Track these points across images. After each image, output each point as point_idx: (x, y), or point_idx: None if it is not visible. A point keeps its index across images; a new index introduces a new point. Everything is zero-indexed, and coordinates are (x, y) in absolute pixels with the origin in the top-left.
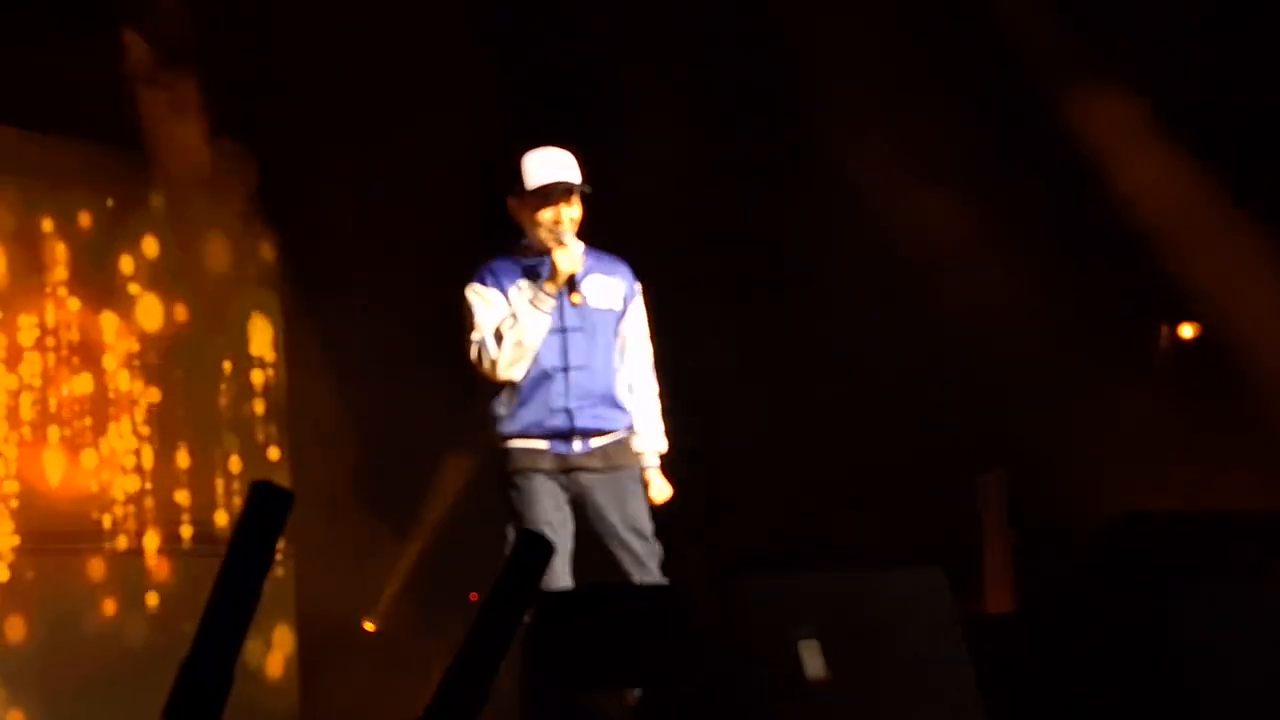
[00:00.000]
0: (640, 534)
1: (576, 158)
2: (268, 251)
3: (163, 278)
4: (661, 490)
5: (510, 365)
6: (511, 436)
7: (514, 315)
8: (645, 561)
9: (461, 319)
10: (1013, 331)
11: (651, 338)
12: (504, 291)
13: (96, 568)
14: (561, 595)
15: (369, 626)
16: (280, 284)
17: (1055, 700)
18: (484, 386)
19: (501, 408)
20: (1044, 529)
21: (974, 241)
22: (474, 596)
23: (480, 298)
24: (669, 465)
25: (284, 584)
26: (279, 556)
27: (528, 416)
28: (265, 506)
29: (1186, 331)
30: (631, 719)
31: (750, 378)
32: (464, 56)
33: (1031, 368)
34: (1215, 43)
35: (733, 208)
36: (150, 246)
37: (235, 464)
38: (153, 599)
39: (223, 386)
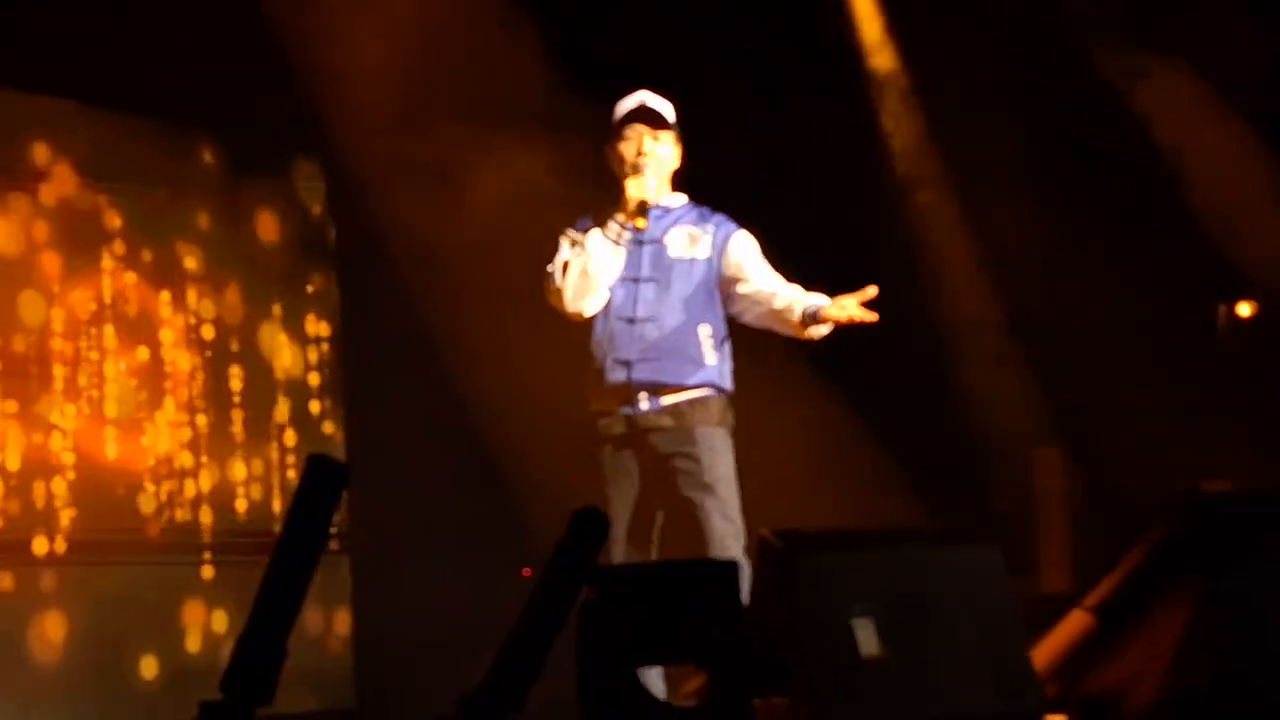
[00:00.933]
0: (716, 494)
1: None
2: (327, 226)
3: (220, 253)
4: (841, 305)
5: (576, 296)
6: (591, 396)
7: (582, 245)
8: (721, 525)
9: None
10: (1071, 309)
11: None
12: (586, 232)
13: (151, 540)
14: (617, 571)
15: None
16: (339, 257)
17: (1110, 679)
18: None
19: (587, 373)
20: (1102, 508)
21: (1033, 219)
22: (527, 572)
23: (566, 238)
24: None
25: (339, 557)
26: (334, 530)
27: (598, 371)
28: (321, 480)
29: (1244, 310)
30: (686, 696)
31: (805, 354)
32: (524, 33)
33: (1090, 346)
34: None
35: (789, 184)
36: (207, 221)
37: (290, 438)
38: (208, 571)
39: (279, 361)
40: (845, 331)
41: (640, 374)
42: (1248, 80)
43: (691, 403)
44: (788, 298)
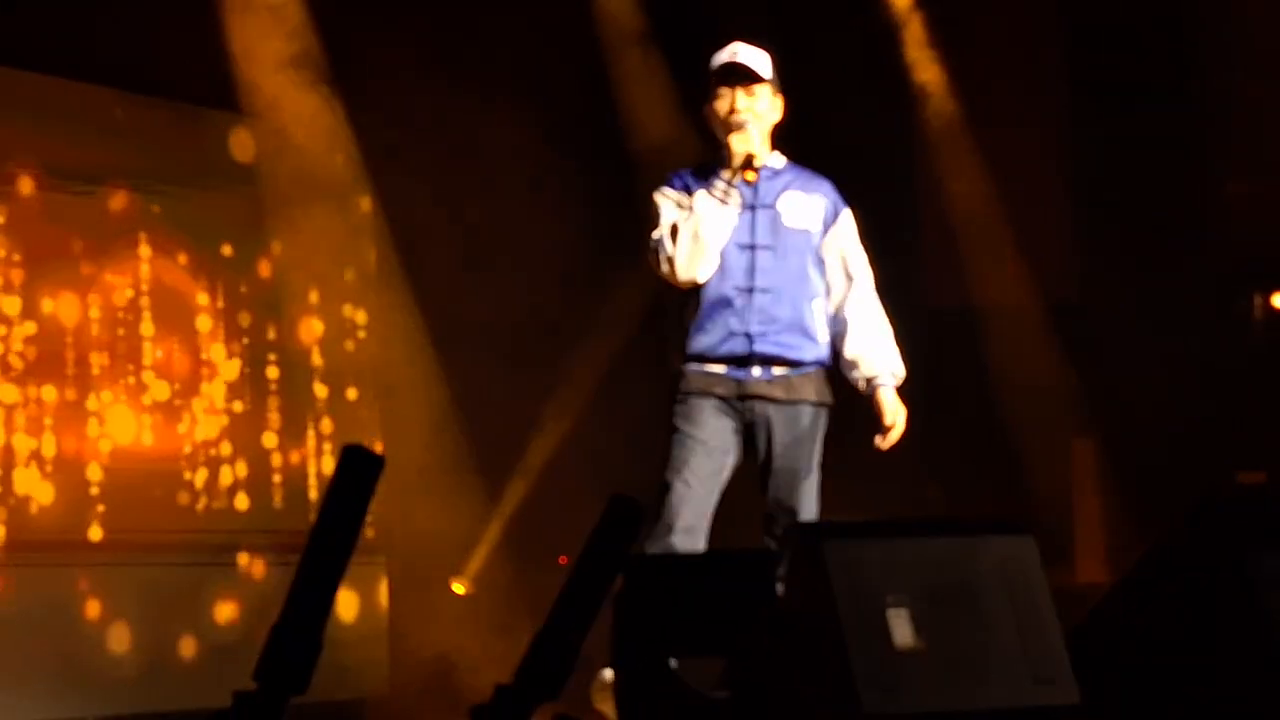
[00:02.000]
0: (799, 482)
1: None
2: (363, 210)
3: (256, 236)
4: (899, 412)
5: (690, 263)
6: (689, 359)
7: (690, 208)
8: (802, 506)
9: (645, 227)
10: (1107, 298)
11: None
12: (691, 195)
13: (186, 525)
14: (652, 561)
15: (459, 589)
16: (375, 242)
17: (1146, 669)
18: (670, 309)
19: (680, 330)
20: (1137, 497)
21: (1067, 209)
22: (563, 560)
23: (665, 198)
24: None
25: (374, 545)
26: (370, 518)
27: (705, 340)
28: (356, 470)
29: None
30: (721, 685)
31: None
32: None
33: (1126, 335)
34: None
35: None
36: (243, 206)
37: (327, 425)
38: (243, 559)
39: (315, 346)
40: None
41: (761, 347)
42: None
43: (804, 378)
44: (857, 348)
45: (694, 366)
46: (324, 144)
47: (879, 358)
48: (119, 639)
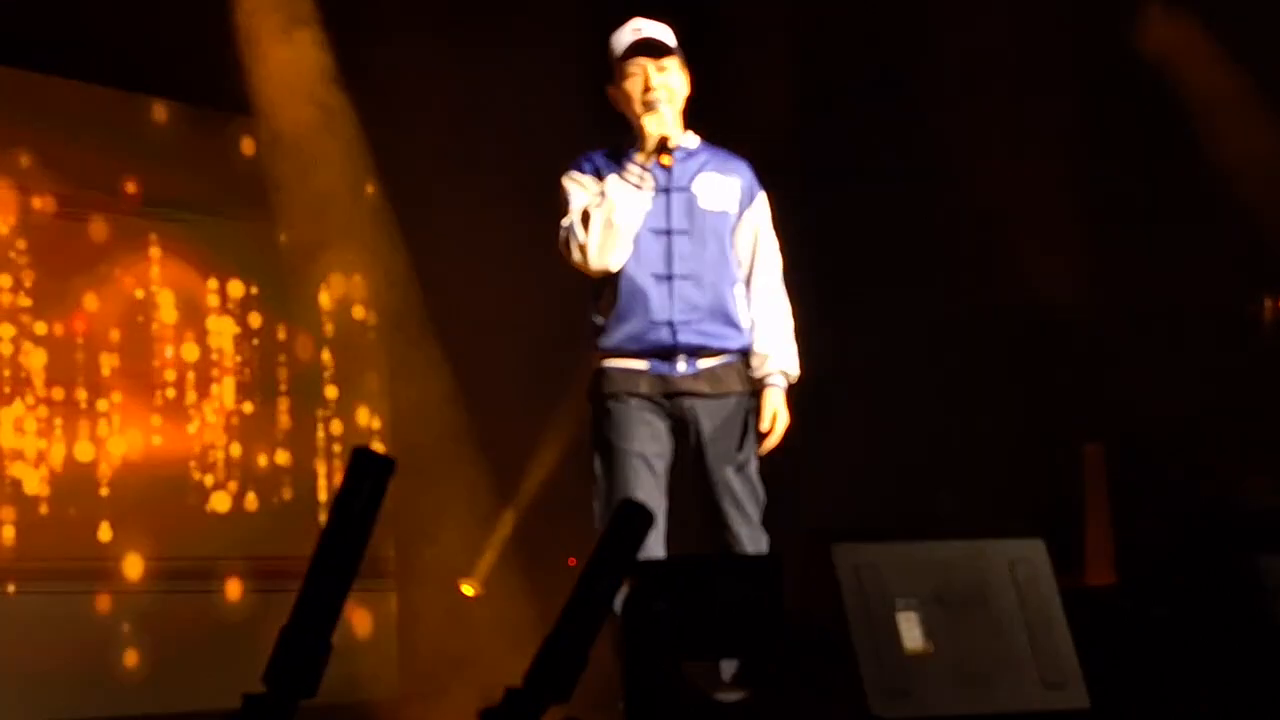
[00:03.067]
0: (743, 472)
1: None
2: (370, 208)
3: (263, 240)
4: (779, 417)
5: (602, 250)
6: (607, 354)
7: (602, 193)
8: (743, 504)
9: (556, 213)
10: (1115, 303)
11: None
12: (602, 179)
13: (198, 527)
14: (660, 565)
15: (468, 590)
16: (382, 244)
17: (1155, 671)
18: (590, 293)
19: (598, 318)
20: (1147, 502)
21: (1078, 213)
22: (572, 561)
23: (575, 183)
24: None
25: (383, 547)
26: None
27: (625, 330)
28: (366, 473)
29: None
30: (729, 689)
31: (852, 349)
32: None
33: (1134, 340)
34: None
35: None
36: (251, 209)
37: (337, 426)
38: (252, 561)
39: (324, 349)
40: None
41: (685, 337)
42: None
43: (727, 367)
44: (757, 346)
45: (614, 364)
46: (333, 144)
47: (775, 356)
48: (126, 633)
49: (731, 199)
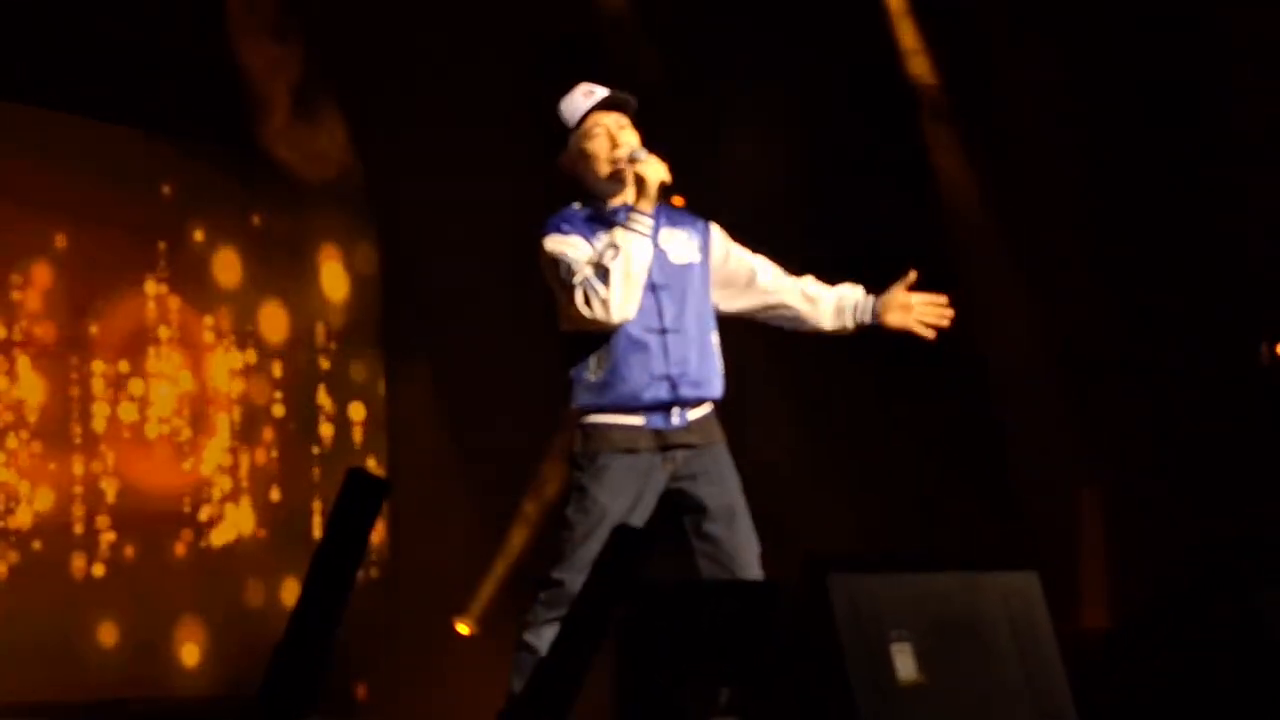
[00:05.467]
0: (741, 518)
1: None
2: (366, 243)
3: (260, 273)
4: (904, 289)
5: (624, 302)
6: (601, 410)
7: (613, 245)
8: (743, 553)
9: (548, 278)
10: (1111, 345)
11: None
12: (585, 239)
13: (189, 559)
14: (656, 590)
15: (463, 629)
16: (378, 274)
17: (1156, 708)
18: (571, 350)
19: (588, 374)
20: (1143, 548)
21: (1077, 252)
22: None
23: (565, 244)
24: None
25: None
26: (374, 558)
27: (625, 387)
28: (360, 494)
29: None
30: (722, 716)
31: (850, 382)
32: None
33: (1132, 382)
34: None
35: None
36: (248, 243)
37: (334, 465)
38: (246, 586)
39: (320, 382)
40: (886, 357)
41: (683, 390)
42: None
43: (710, 419)
44: (818, 293)
45: (607, 419)
46: (331, 174)
47: (838, 293)
48: (121, 663)
49: (692, 249)
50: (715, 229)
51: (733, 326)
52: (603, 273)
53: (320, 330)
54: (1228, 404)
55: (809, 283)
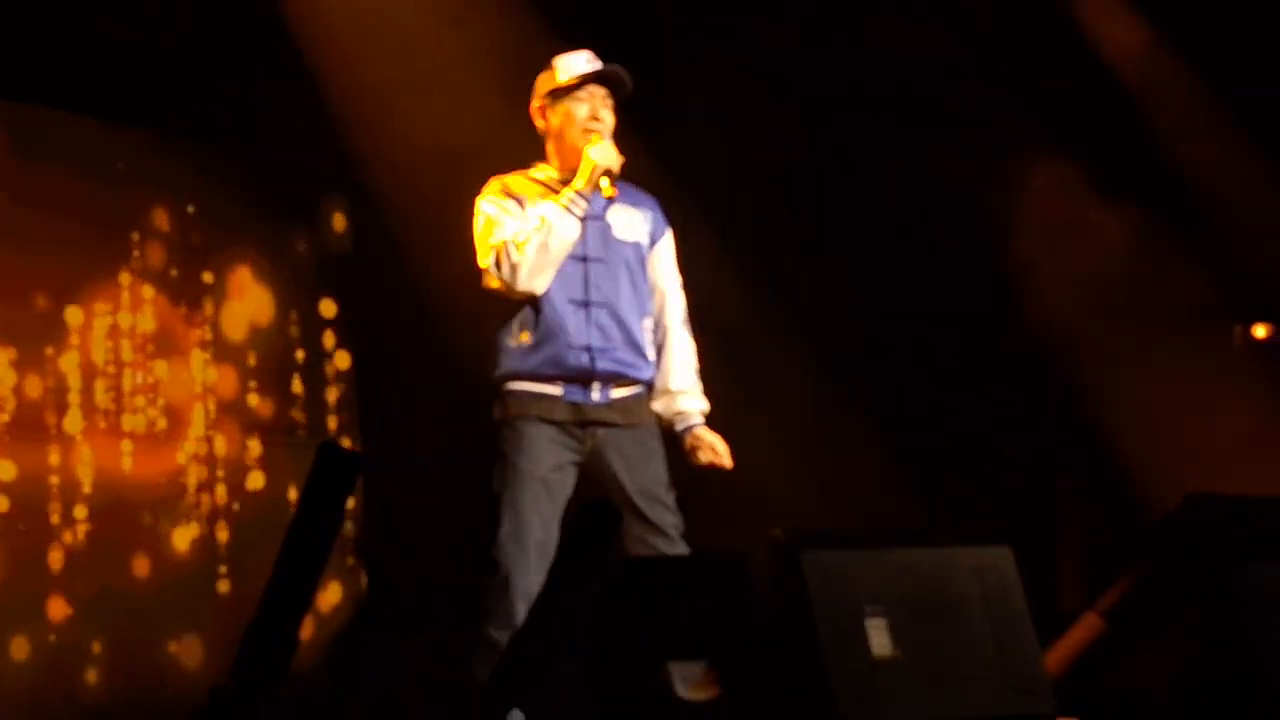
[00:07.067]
0: (663, 501)
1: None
2: (339, 240)
3: (237, 270)
4: (720, 450)
5: (534, 272)
6: (520, 377)
7: (542, 218)
8: (669, 532)
9: (472, 231)
10: (1088, 328)
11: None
12: (522, 206)
13: (168, 555)
14: (630, 565)
15: None
16: (350, 275)
17: (1122, 684)
18: (495, 316)
19: (510, 340)
20: (1118, 526)
21: (1059, 235)
22: None
23: (498, 206)
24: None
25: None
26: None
27: (543, 354)
28: (332, 469)
29: (1260, 332)
30: (697, 689)
31: (828, 365)
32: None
33: (1109, 365)
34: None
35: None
36: (226, 240)
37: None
38: (224, 585)
39: (296, 372)
40: (865, 344)
41: (602, 364)
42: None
43: (638, 398)
44: (674, 370)
45: (526, 386)
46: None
47: (693, 397)
48: (98, 663)
49: (643, 231)
50: (669, 236)
51: (695, 312)
52: (520, 241)
53: (294, 317)
54: (1206, 384)
55: (680, 353)
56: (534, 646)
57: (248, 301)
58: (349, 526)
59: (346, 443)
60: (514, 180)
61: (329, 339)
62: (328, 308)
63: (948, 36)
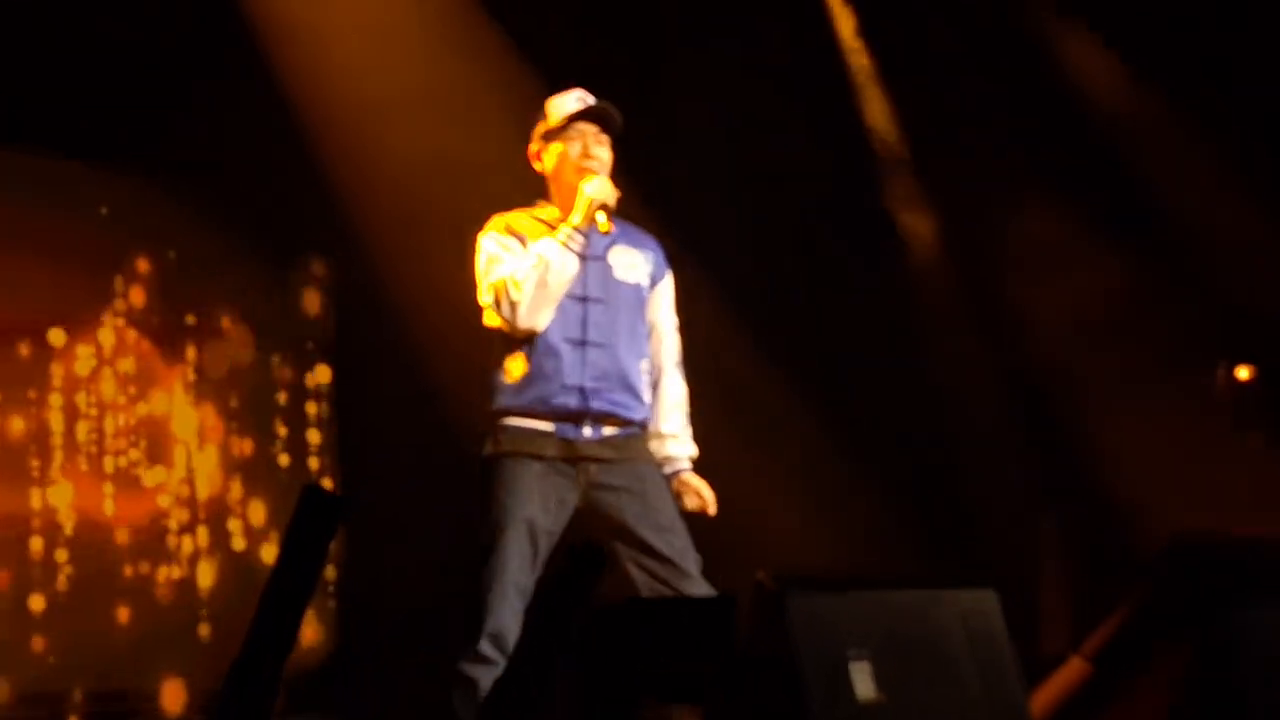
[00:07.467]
0: (671, 528)
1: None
2: (321, 283)
3: (219, 312)
4: (706, 495)
5: (533, 310)
6: (511, 413)
7: (540, 255)
8: (682, 564)
9: (474, 270)
10: (1073, 368)
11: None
12: (524, 244)
13: (148, 596)
14: (614, 607)
15: None
16: (331, 317)
17: None
18: (490, 353)
19: (503, 377)
20: (1102, 568)
21: (1041, 274)
22: None
23: (499, 244)
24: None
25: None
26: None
27: (535, 391)
28: (316, 512)
29: (1243, 373)
30: None
31: (806, 405)
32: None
33: (1093, 406)
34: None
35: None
36: (207, 283)
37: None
38: (204, 629)
39: (277, 415)
40: (852, 382)
41: (595, 403)
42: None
43: (632, 439)
44: (666, 414)
45: (518, 422)
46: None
47: (681, 442)
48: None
49: (644, 272)
50: (669, 278)
51: (689, 352)
52: (521, 278)
53: (275, 359)
54: (1190, 425)
55: (672, 397)
56: (516, 690)
57: (229, 344)
58: (329, 569)
59: (328, 484)
60: (516, 218)
61: (310, 380)
62: (309, 350)
63: (941, 86)
